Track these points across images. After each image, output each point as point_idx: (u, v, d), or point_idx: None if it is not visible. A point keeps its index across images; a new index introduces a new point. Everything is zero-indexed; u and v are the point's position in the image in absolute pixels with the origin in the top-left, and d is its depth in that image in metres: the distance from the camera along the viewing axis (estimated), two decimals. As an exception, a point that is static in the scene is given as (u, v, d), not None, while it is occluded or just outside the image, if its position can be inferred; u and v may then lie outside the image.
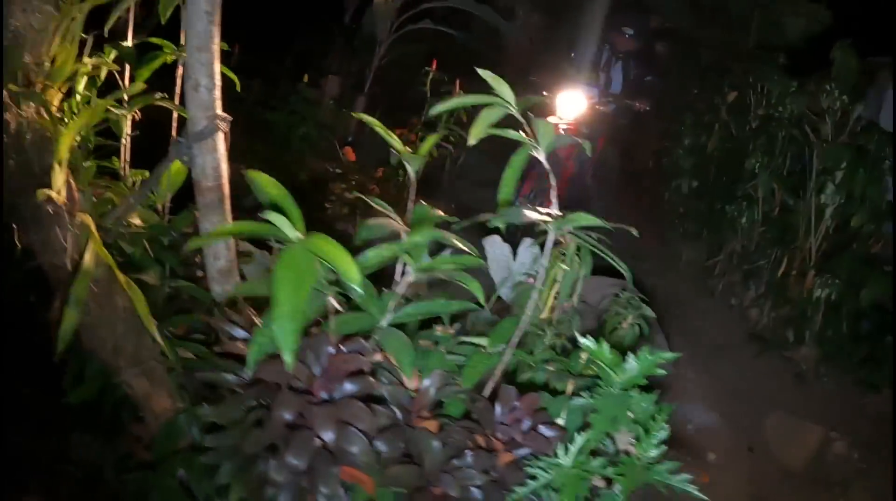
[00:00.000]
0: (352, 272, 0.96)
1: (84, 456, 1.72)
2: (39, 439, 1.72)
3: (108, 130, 1.92)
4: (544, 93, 3.99)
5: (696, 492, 1.30)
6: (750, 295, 4.34)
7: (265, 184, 1.13)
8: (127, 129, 1.86)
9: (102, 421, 1.69)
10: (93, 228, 1.36)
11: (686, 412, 3.74)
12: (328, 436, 1.15)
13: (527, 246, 2.44)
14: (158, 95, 1.85)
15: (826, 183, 3.65)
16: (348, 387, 1.26)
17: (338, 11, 5.54)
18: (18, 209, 1.35)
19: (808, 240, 3.83)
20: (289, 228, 1.01)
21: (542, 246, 2.28)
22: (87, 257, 1.27)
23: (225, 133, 1.62)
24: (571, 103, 3.90)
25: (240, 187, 1.57)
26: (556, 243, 2.19)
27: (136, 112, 1.86)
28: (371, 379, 1.29)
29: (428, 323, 1.70)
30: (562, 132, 3.94)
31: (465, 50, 4.88)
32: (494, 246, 2.42)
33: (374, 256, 1.17)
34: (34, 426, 1.70)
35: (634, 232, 1.63)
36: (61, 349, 1.23)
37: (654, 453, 1.33)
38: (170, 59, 1.88)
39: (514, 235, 2.46)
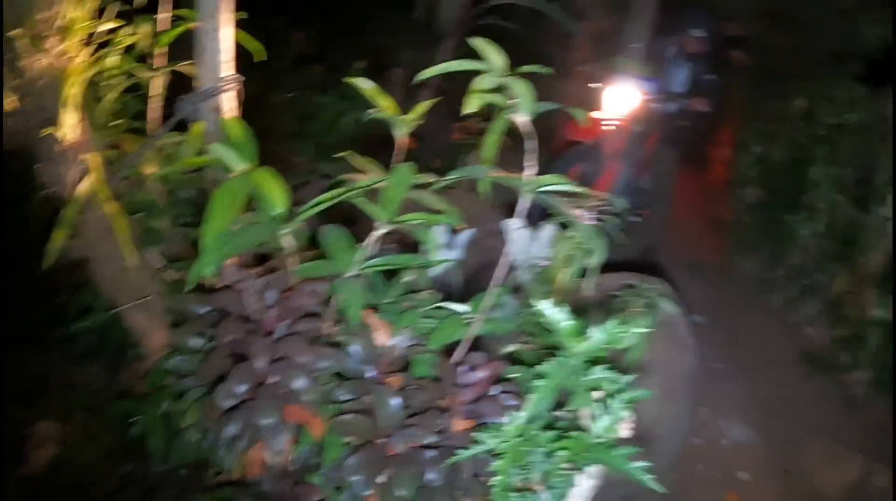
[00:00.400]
0: (277, 199, 1.01)
1: (90, 385, 1.87)
2: (51, 367, 1.89)
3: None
4: (591, 84, 3.90)
5: (653, 484, 1.27)
6: (806, 312, 4.12)
7: (231, 126, 1.21)
8: (156, 91, 1.99)
9: (108, 355, 1.83)
10: (95, 165, 1.48)
11: (722, 425, 3.60)
12: (261, 365, 1.21)
13: (545, 230, 2.44)
14: (186, 62, 1.97)
15: (889, 194, 3.42)
16: (301, 326, 1.32)
17: (410, 5, 5.66)
18: (33, 146, 1.49)
19: (869, 255, 3.61)
20: (233, 160, 1.08)
21: (563, 226, 2.29)
22: (81, 187, 1.39)
23: (239, 93, 1.72)
24: (621, 98, 3.78)
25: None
26: (568, 226, 2.20)
27: (166, 75, 1.99)
28: (324, 323, 1.35)
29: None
30: (605, 128, 3.85)
31: (528, 45, 4.87)
32: (514, 229, 2.42)
33: (325, 196, 1.22)
34: (47, 355, 1.87)
35: (618, 205, 1.61)
36: (46, 265, 1.35)
37: (609, 433, 1.32)
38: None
39: (536, 221, 2.46)
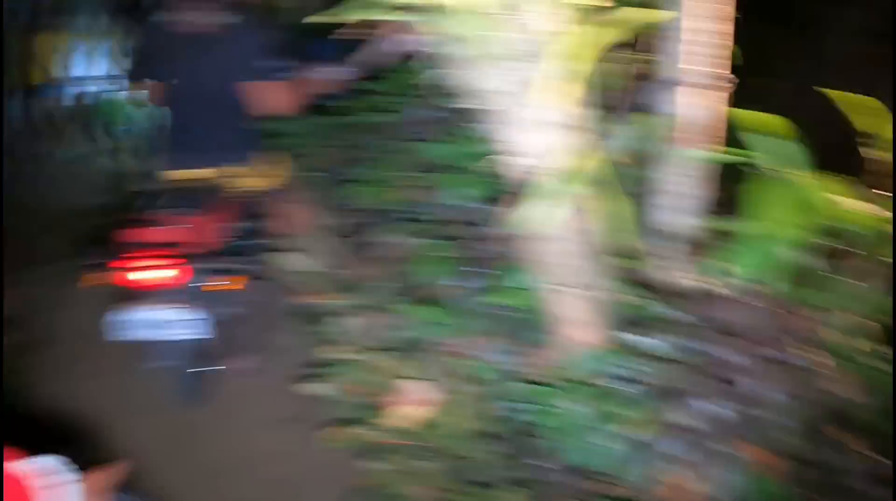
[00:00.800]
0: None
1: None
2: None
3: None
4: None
5: None
6: None
7: (754, 121, 1.09)
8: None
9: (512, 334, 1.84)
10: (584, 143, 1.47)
11: None
12: (727, 387, 1.08)
13: None
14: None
15: None
16: (785, 356, 1.15)
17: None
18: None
19: None
20: (777, 160, 0.96)
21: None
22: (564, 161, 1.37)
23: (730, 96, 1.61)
24: None
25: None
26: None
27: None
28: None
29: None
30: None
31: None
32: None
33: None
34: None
35: None
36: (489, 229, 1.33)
37: None
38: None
39: None
